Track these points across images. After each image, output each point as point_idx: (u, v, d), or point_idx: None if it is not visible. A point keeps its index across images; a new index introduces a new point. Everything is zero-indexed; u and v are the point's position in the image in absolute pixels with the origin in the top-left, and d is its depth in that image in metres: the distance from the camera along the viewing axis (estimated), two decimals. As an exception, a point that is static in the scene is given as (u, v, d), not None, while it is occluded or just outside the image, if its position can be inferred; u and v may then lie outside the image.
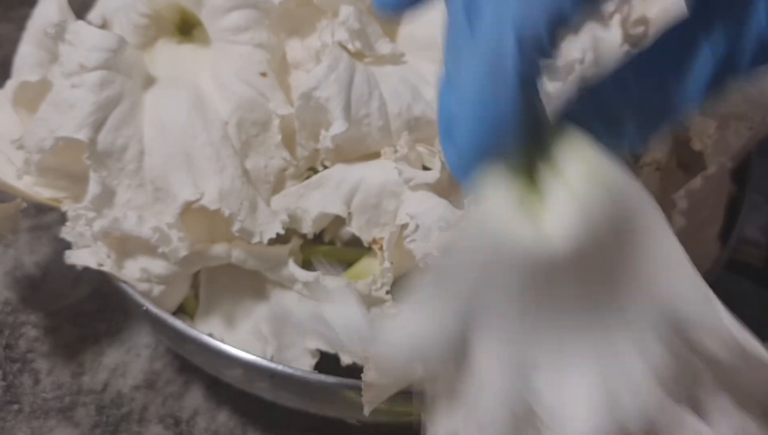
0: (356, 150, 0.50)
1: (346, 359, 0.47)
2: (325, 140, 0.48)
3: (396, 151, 0.49)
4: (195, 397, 0.54)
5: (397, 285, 0.48)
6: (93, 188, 0.48)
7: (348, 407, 0.44)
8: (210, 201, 0.47)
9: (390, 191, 0.48)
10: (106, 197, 0.48)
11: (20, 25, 0.58)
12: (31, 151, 0.48)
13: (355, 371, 0.48)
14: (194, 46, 0.53)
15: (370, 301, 0.48)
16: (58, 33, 0.49)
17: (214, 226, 0.49)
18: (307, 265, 0.50)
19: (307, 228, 0.49)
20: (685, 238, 0.34)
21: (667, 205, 0.48)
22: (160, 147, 0.48)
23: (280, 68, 0.51)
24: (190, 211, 0.48)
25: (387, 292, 0.47)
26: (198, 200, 0.47)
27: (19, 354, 0.58)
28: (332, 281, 0.48)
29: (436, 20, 0.51)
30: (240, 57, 0.50)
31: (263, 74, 0.49)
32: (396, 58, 0.51)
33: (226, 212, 0.47)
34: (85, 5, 0.60)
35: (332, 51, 0.48)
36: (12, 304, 0.60)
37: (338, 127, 0.48)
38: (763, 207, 0.55)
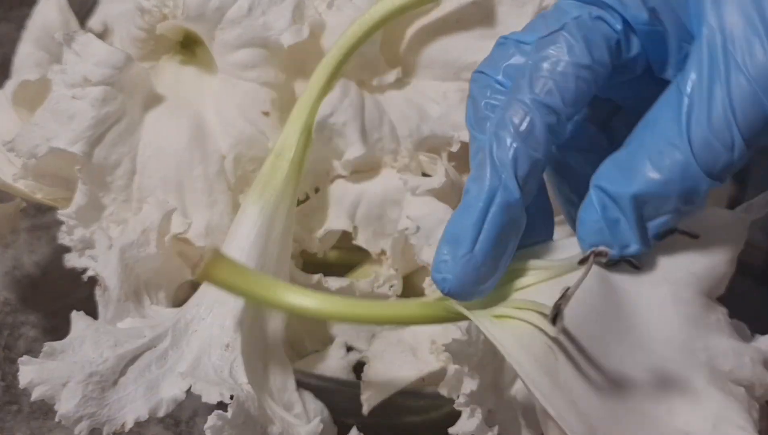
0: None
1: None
2: (338, 167, 0.49)
3: (396, 161, 0.49)
4: (195, 397, 0.54)
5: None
6: (78, 199, 0.48)
7: (348, 407, 0.45)
8: (196, 235, 0.48)
9: (392, 200, 0.48)
10: (91, 208, 0.49)
11: (20, 25, 0.58)
12: (22, 156, 0.48)
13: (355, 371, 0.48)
14: (198, 70, 0.53)
15: (372, 298, 0.48)
16: (67, 40, 0.49)
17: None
18: (307, 267, 0.50)
19: (315, 247, 0.49)
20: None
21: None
22: (155, 169, 0.49)
23: (288, 107, 0.50)
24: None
25: (390, 287, 0.47)
26: (184, 232, 0.48)
27: (19, 354, 0.58)
28: (335, 282, 0.48)
29: (440, 42, 0.51)
30: (245, 93, 0.50)
31: (266, 113, 0.49)
32: (400, 84, 0.51)
33: None
34: (85, 6, 0.60)
35: (341, 79, 0.49)
36: (11, 304, 0.60)
37: (356, 150, 0.48)
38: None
